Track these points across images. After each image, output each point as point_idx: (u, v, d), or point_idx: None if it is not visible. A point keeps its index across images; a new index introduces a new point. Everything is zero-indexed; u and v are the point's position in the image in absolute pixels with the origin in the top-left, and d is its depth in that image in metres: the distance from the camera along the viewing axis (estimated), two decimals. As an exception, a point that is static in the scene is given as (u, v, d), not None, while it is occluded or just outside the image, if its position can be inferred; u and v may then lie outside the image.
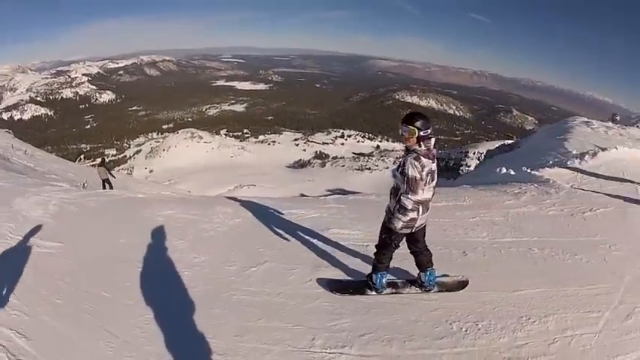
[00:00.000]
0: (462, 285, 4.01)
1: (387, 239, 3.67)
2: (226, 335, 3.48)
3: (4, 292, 4.38)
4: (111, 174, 17.41)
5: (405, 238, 3.73)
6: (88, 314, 4.02)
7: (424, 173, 3.33)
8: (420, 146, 3.36)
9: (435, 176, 3.51)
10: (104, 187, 16.12)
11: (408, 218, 3.43)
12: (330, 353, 3.20)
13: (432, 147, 3.41)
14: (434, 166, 3.45)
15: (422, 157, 3.34)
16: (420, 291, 3.95)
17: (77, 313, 4.04)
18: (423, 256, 3.84)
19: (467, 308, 3.64)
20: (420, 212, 3.46)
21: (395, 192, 3.58)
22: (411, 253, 3.87)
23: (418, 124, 3.33)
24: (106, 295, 4.30)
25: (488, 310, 3.63)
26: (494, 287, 3.94)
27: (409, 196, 3.36)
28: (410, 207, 3.37)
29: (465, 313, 3.58)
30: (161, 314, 3.83)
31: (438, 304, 3.73)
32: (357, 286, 4.07)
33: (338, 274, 4.36)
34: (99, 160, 20.68)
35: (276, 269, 4.57)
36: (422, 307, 3.70)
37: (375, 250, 3.88)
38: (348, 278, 4.31)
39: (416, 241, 3.77)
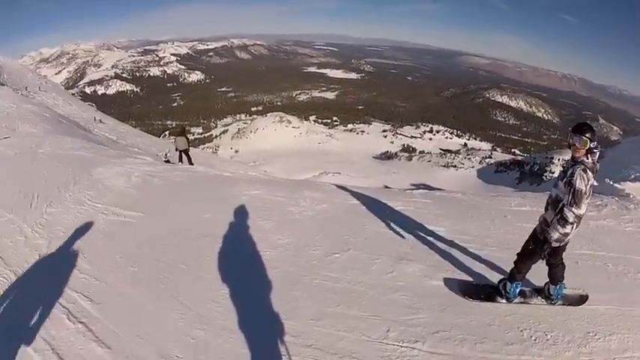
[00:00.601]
0: (582, 300, 3.91)
1: (537, 249, 3.58)
2: (303, 318, 3.60)
3: (76, 256, 4.61)
4: (189, 145, 15.33)
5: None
6: (163, 284, 4.21)
7: (588, 187, 3.23)
8: (587, 158, 3.27)
9: (591, 192, 3.36)
10: (181, 160, 14.74)
11: (565, 231, 3.30)
12: (402, 347, 3.27)
13: (596, 160, 3.31)
14: (594, 181, 3.33)
15: (589, 170, 3.24)
16: (545, 303, 3.87)
17: (152, 282, 4.24)
18: (558, 269, 3.74)
19: (539, 317, 3.62)
20: (576, 227, 3.33)
21: (554, 203, 3.49)
22: (546, 264, 3.75)
23: (589, 135, 3.22)
24: (184, 268, 4.50)
25: (559, 321, 3.59)
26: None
27: (573, 209, 3.23)
28: (571, 220, 3.24)
29: (536, 321, 3.56)
30: (238, 291, 3.97)
31: (512, 309, 3.72)
32: (488, 292, 3.99)
33: (420, 270, 4.37)
34: (178, 128, 19.16)
35: (360, 258, 4.63)
36: (496, 311, 3.70)
37: (516, 258, 3.81)
38: (479, 282, 4.25)
39: (558, 254, 3.66)
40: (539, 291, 3.96)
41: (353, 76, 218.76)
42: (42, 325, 3.54)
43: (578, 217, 3.25)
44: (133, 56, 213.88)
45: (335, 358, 3.19)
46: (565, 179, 3.33)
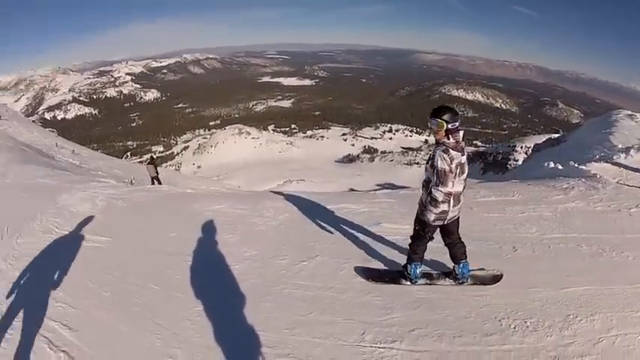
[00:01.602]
0: (495, 279, 4.00)
1: (421, 231, 3.73)
2: (277, 328, 3.52)
3: (50, 285, 4.51)
4: (157, 172, 17.71)
5: (439, 230, 3.78)
6: (137, 307, 4.12)
7: (453, 165, 3.38)
8: (448, 139, 3.41)
9: (466, 169, 3.56)
10: (153, 184, 16.33)
11: (440, 210, 3.49)
12: (380, 348, 3.21)
13: (460, 139, 3.45)
14: (463, 159, 3.49)
15: (450, 150, 3.38)
16: (454, 283, 3.99)
17: (125, 306, 4.14)
18: (456, 249, 3.89)
19: (516, 305, 3.59)
20: (452, 204, 3.51)
21: (426, 184, 3.64)
22: (445, 245, 3.92)
23: (446, 117, 3.38)
24: (155, 288, 4.41)
25: (537, 307, 3.58)
26: (543, 284, 3.88)
27: (439, 188, 3.41)
28: (441, 199, 3.42)
29: (514, 310, 3.54)
30: (211, 307, 3.89)
31: (488, 300, 3.69)
32: (392, 275, 4.16)
33: (388, 268, 4.37)
34: (148, 157, 20.95)
35: (328, 263, 4.60)
36: (472, 303, 3.67)
37: (410, 241, 3.92)
38: (385, 267, 4.38)
39: (449, 233, 3.82)
40: (447, 273, 4.11)
41: (307, 82, 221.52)
42: (25, 356, 3.45)
43: (449, 194, 3.44)
44: (89, 78, 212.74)
45: (313, 365, 3.12)
46: (429, 161, 3.51)
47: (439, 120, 3.38)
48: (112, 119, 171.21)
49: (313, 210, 6.44)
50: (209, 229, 5.73)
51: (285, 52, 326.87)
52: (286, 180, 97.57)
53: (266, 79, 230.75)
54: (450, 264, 4.00)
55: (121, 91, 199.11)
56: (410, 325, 3.42)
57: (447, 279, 4.05)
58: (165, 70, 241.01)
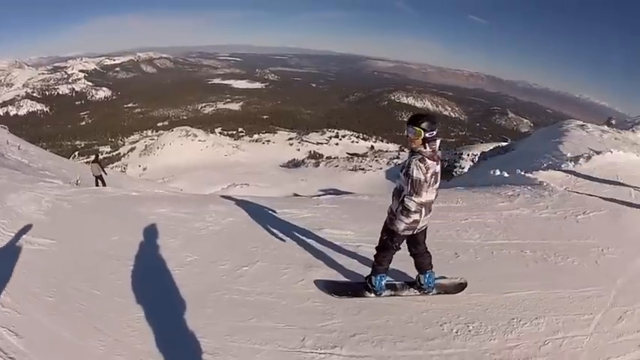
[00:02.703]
0: (460, 287, 4.00)
1: (389, 241, 3.62)
2: (217, 334, 3.47)
3: None
4: (103, 170, 17.49)
5: (405, 240, 3.70)
6: (80, 312, 4.01)
7: (428, 175, 3.32)
8: (425, 147, 3.34)
9: (439, 178, 3.51)
10: (97, 184, 16.14)
11: (411, 220, 3.40)
12: (320, 353, 3.19)
13: (436, 149, 3.40)
14: (438, 168, 3.44)
15: (427, 159, 3.32)
16: (418, 293, 3.94)
17: (69, 311, 4.03)
18: (423, 259, 3.83)
19: (458, 310, 3.65)
20: (423, 214, 3.43)
21: (398, 193, 3.57)
22: (410, 255, 3.85)
23: (424, 125, 3.30)
24: (98, 293, 4.28)
25: (480, 311, 3.63)
26: (486, 289, 3.95)
27: (413, 197, 3.32)
28: (413, 209, 3.34)
29: (456, 314, 3.58)
30: (152, 313, 3.81)
31: (429, 305, 3.73)
32: (355, 288, 4.04)
33: (330, 274, 4.36)
34: (92, 156, 20.35)
35: (269, 269, 4.56)
36: (413, 308, 3.70)
37: (375, 251, 3.84)
38: (345, 280, 4.29)
39: (417, 243, 3.76)
40: (411, 283, 4.05)
41: (257, 85, 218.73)
42: None
43: (421, 205, 3.36)
44: (43, 74, 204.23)
45: (253, 371, 3.07)
46: (403, 170, 3.42)
47: (417, 128, 3.31)
48: (63, 117, 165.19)
49: (256, 214, 6.40)
50: (151, 232, 5.65)
51: (237, 55, 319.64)
52: (231, 184, 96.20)
53: (217, 80, 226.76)
54: (412, 273, 3.97)
55: (74, 89, 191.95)
56: (350, 331, 3.42)
57: (411, 289, 3.98)
58: (118, 69, 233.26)
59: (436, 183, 3.46)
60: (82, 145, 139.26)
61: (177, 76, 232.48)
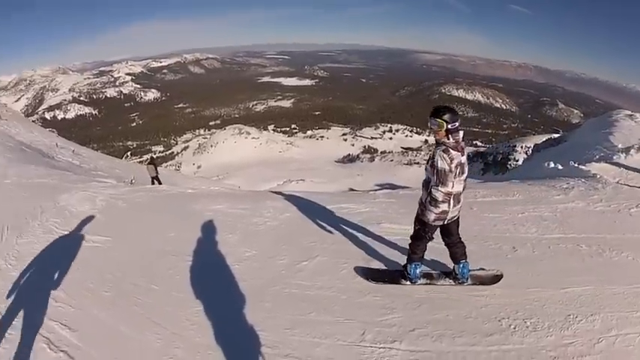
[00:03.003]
0: (496, 279, 3.99)
1: (421, 231, 3.73)
2: (277, 328, 3.52)
3: (50, 285, 4.49)
4: (158, 172, 17.99)
5: (439, 230, 3.79)
6: (136, 306, 4.11)
7: (453, 165, 3.38)
8: (448, 139, 3.41)
9: (466, 169, 3.57)
10: (153, 184, 16.53)
11: (440, 210, 3.49)
12: (379, 348, 3.21)
13: (460, 139, 3.46)
14: (463, 159, 3.50)
15: (451, 150, 3.39)
16: (453, 283, 4.00)
17: (125, 306, 4.14)
18: (456, 248, 3.89)
19: (516, 305, 3.60)
20: (452, 204, 3.52)
21: (426, 185, 3.65)
22: (445, 245, 3.93)
23: (446, 117, 3.38)
24: (155, 288, 4.40)
25: (537, 307, 3.58)
26: (544, 284, 3.88)
27: (439, 188, 3.42)
28: (440, 199, 3.44)
29: (514, 310, 3.54)
30: (211, 307, 3.89)
31: (488, 300, 3.69)
32: (392, 275, 4.16)
33: (390, 268, 4.36)
34: (148, 157, 21.00)
35: (328, 263, 4.59)
36: (472, 303, 3.67)
37: (410, 241, 3.93)
38: (385, 267, 4.40)
39: (449, 233, 3.84)
40: (447, 273, 4.11)
41: (307, 82, 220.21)
42: (25, 356, 3.44)
43: (448, 195, 3.46)
44: (89, 78, 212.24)
45: (312, 365, 3.11)
46: (429, 161, 3.51)
47: (439, 120, 3.37)
48: (112, 119, 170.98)
49: (313, 210, 6.43)
50: (209, 229, 5.72)
51: (285, 52, 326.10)
52: (286, 180, 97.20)
53: (266, 79, 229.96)
54: (451, 264, 3.99)
55: (121, 91, 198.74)
56: (410, 325, 3.42)
57: (447, 279, 4.04)
58: (165, 70, 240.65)
59: (463, 174, 3.53)
60: (134, 146, 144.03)
61: (226, 76, 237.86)
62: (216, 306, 3.93)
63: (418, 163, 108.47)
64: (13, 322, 3.85)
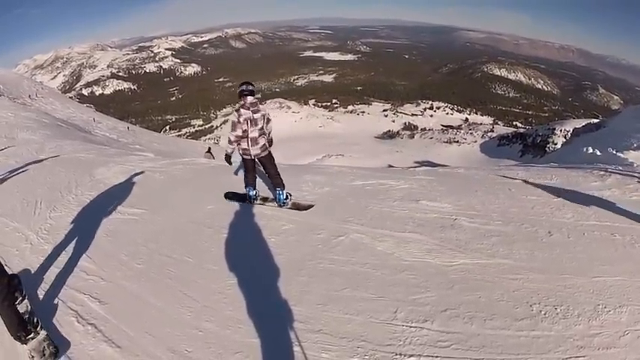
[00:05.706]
0: (309, 207, 5.55)
1: (243, 162, 5.58)
2: (309, 303, 3.58)
3: (82, 258, 4.57)
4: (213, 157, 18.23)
5: (263, 166, 5.53)
6: (169, 279, 4.18)
7: (242, 118, 5.14)
8: (241, 101, 5.21)
9: (259, 122, 5.29)
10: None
11: (240, 148, 5.30)
12: (411, 327, 3.23)
13: (247, 102, 5.17)
14: (249, 114, 5.16)
15: (241, 108, 5.17)
16: (275, 205, 5.59)
17: (158, 278, 4.21)
18: (273, 179, 5.51)
19: (548, 291, 3.58)
20: (250, 144, 5.24)
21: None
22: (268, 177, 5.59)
23: (243, 87, 5.24)
24: (189, 261, 4.47)
25: (569, 294, 3.55)
26: (576, 271, 3.85)
27: (230, 132, 5.27)
28: (232, 139, 5.24)
29: (545, 295, 3.52)
30: (245, 280, 3.96)
31: (521, 284, 3.68)
32: (242, 196, 5.87)
33: (428, 247, 4.37)
34: (207, 147, 21.30)
35: (364, 239, 4.60)
36: (505, 285, 3.67)
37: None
38: (240, 192, 5.89)
39: (265, 167, 5.51)
40: (273, 199, 5.76)
41: (349, 57, 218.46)
42: (52, 329, 3.48)
43: (237, 137, 5.24)
44: (128, 54, 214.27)
45: (344, 341, 3.16)
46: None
47: (239, 89, 5.30)
48: (151, 94, 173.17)
49: (352, 185, 6.46)
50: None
51: (327, 27, 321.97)
52: (325, 155, 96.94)
53: (308, 53, 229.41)
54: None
55: (161, 66, 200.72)
56: (442, 305, 3.44)
57: (274, 202, 5.68)
58: (206, 45, 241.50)
59: (255, 125, 5.26)
60: (173, 120, 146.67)
61: (268, 50, 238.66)
62: (251, 279, 3.99)
63: (458, 141, 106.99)
64: (42, 296, 3.91)
